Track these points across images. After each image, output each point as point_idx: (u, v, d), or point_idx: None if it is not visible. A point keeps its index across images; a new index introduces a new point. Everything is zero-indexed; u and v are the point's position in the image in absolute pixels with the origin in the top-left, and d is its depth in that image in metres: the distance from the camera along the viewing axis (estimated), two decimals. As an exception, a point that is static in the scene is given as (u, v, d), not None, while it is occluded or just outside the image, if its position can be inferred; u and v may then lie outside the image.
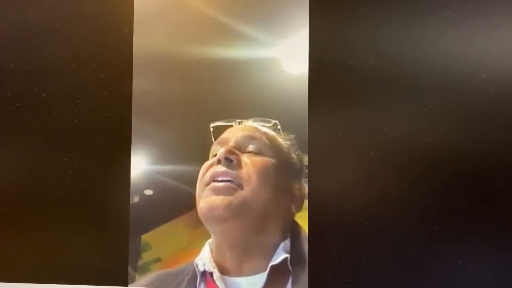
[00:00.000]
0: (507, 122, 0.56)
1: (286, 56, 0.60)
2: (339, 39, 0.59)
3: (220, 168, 0.59)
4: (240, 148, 0.60)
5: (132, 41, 0.63)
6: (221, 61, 0.61)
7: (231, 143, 0.60)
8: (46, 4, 0.64)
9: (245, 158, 0.59)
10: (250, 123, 0.61)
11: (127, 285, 0.62)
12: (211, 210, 0.59)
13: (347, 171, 0.59)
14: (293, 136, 0.60)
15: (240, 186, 0.58)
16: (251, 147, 0.60)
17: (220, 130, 0.61)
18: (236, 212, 0.58)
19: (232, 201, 0.58)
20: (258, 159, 0.59)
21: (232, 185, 0.58)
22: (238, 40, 0.61)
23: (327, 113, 0.59)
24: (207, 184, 0.59)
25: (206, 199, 0.59)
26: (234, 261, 0.60)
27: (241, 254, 0.59)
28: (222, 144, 0.60)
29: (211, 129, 0.61)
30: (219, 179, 0.59)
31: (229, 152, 0.59)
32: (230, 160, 0.59)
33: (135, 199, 0.62)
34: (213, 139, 0.61)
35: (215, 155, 0.60)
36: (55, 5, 0.64)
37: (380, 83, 0.58)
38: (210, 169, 0.60)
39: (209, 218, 0.59)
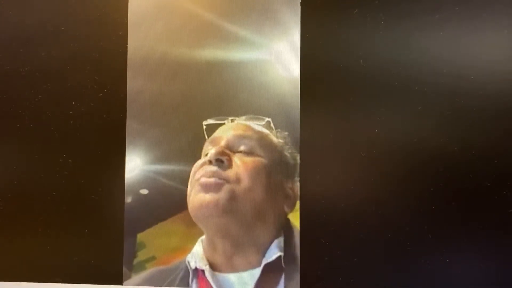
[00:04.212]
0: (495, 123, 0.57)
1: (278, 58, 0.61)
2: (330, 41, 0.60)
3: (211, 168, 0.59)
4: (231, 148, 0.60)
5: (127, 44, 0.63)
6: (215, 63, 0.62)
7: (223, 143, 0.60)
8: (42, 6, 0.65)
9: (236, 159, 0.59)
10: (242, 121, 0.61)
11: (121, 284, 0.62)
12: (200, 207, 0.59)
13: (338, 172, 0.59)
14: (286, 133, 0.60)
15: (229, 184, 0.59)
16: (242, 147, 0.60)
17: (212, 129, 0.61)
18: (225, 208, 0.58)
19: (221, 197, 0.58)
20: (249, 159, 0.59)
21: (221, 181, 0.59)
22: (231, 42, 0.62)
23: (318, 114, 0.60)
24: (197, 180, 0.60)
25: (196, 196, 0.59)
26: (226, 257, 0.60)
27: (232, 250, 0.60)
28: (214, 143, 0.60)
29: (204, 127, 0.61)
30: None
31: (220, 153, 0.59)
32: (221, 161, 0.59)
33: (130, 198, 0.62)
34: (206, 137, 0.61)
35: (207, 154, 0.60)
36: (51, 8, 0.64)
37: (370, 84, 0.59)
38: (201, 168, 0.60)
39: (199, 215, 0.59)
